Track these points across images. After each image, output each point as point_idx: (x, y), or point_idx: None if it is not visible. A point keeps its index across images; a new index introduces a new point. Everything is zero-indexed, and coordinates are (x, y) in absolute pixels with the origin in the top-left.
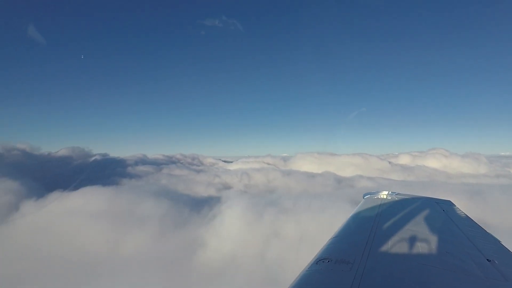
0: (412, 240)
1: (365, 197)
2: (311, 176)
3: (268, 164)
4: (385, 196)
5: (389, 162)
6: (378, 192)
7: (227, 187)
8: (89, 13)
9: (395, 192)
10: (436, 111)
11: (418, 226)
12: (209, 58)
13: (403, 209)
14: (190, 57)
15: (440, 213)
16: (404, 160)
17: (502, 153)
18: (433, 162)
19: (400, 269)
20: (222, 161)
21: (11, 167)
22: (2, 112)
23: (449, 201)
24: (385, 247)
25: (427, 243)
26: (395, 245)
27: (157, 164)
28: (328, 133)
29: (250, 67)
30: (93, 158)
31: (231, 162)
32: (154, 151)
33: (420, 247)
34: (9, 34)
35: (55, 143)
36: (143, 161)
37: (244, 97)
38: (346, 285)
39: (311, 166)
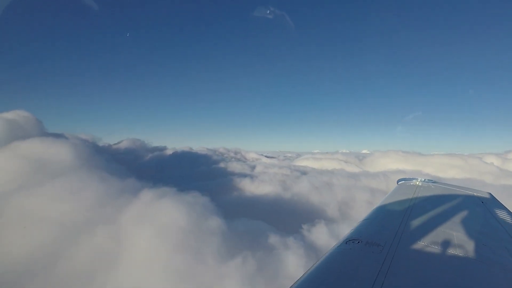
0: (446, 229)
1: (399, 183)
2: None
3: (346, 161)
4: (420, 184)
5: (496, 165)
6: (412, 178)
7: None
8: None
9: (431, 180)
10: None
11: (452, 216)
12: (259, 51)
13: (438, 197)
14: (236, 52)
15: (478, 204)
16: (493, 162)
17: None
18: None
19: (431, 257)
20: (265, 156)
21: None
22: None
23: (489, 193)
24: (417, 234)
25: (462, 233)
26: (427, 233)
27: (239, 160)
28: (386, 131)
29: (300, 61)
30: (171, 152)
31: (274, 157)
32: (191, 144)
33: (454, 238)
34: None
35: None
36: (223, 156)
37: (277, 92)
38: (376, 266)
39: (399, 165)
